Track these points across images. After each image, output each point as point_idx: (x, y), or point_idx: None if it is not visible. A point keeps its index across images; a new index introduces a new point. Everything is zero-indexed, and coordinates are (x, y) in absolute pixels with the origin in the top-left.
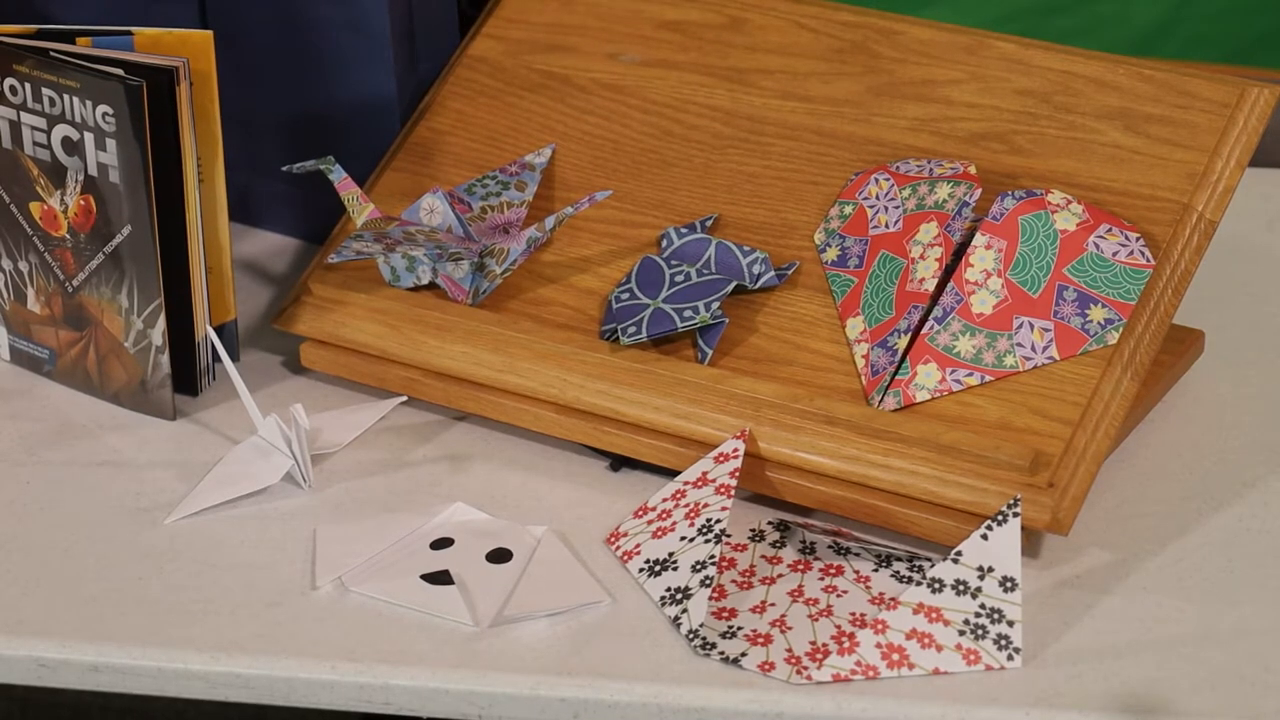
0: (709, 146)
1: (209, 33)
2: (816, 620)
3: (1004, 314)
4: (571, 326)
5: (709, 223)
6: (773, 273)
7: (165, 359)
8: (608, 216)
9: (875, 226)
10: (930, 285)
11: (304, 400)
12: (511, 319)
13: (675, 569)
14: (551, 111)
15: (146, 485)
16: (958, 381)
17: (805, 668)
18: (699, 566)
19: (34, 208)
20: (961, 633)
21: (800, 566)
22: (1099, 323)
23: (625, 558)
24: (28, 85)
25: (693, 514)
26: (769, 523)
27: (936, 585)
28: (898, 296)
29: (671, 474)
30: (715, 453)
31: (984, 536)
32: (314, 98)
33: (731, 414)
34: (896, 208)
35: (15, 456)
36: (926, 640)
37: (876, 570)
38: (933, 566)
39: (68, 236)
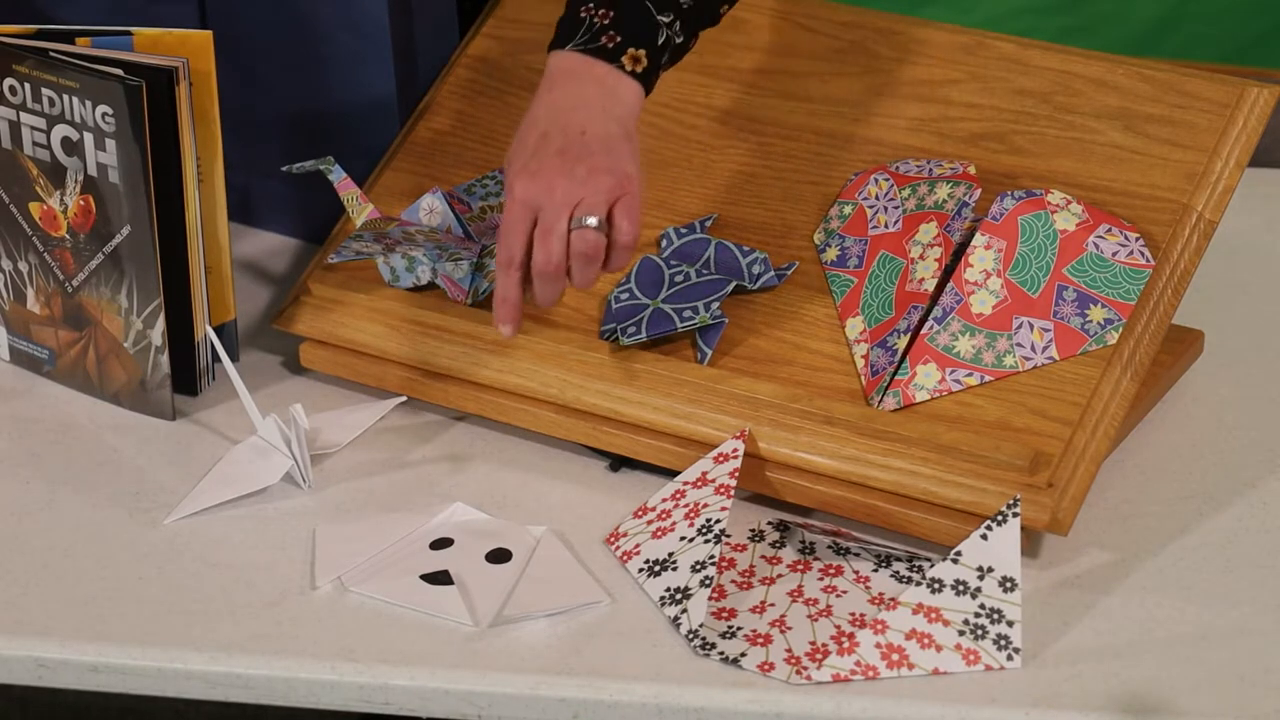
0: (709, 146)
1: (209, 33)
2: (816, 620)
3: (1003, 314)
4: (571, 326)
5: (708, 223)
6: (772, 273)
7: (165, 359)
8: None
9: (875, 227)
10: (930, 285)
11: (303, 400)
12: None
13: (675, 569)
14: None
15: (146, 485)
16: (957, 381)
17: (805, 668)
18: (699, 566)
19: (34, 208)
20: (961, 633)
21: (800, 567)
22: (1098, 323)
23: (625, 558)
24: (27, 85)
25: (692, 514)
26: (769, 523)
27: (936, 585)
28: (897, 297)
29: (671, 474)
30: (715, 453)
31: (983, 536)
32: (314, 98)
33: (731, 414)
34: (896, 208)
35: (15, 456)
36: (926, 640)
37: (876, 570)
38: (932, 566)
39: (67, 237)
